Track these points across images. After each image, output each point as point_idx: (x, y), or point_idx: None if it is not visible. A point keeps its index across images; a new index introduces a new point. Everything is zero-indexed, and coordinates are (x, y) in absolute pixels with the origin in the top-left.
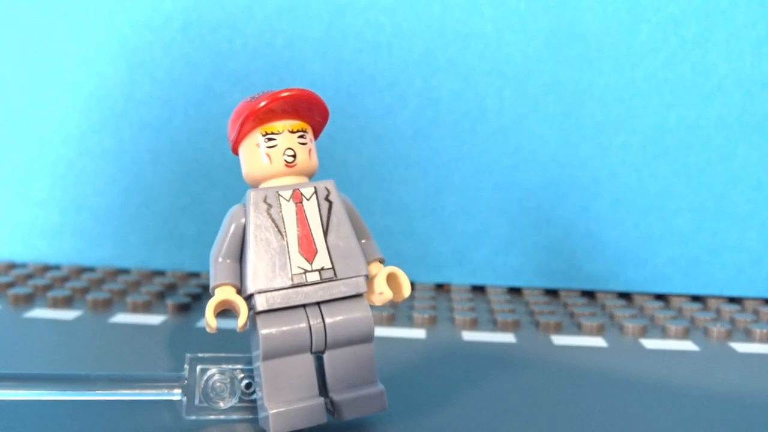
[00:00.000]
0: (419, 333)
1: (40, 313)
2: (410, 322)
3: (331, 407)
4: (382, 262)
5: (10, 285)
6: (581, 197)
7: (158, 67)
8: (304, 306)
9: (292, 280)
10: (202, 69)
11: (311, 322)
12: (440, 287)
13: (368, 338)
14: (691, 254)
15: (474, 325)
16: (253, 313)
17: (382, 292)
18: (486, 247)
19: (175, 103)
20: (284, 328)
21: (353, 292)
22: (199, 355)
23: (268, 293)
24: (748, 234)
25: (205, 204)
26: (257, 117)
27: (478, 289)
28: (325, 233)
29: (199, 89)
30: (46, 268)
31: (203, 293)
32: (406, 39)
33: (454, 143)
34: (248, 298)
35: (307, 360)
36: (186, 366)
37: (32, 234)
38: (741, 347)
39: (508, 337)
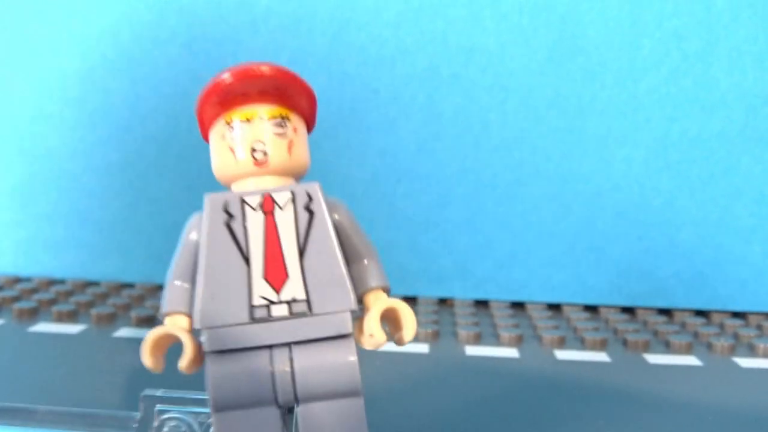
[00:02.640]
0: (422, 348)
1: (44, 327)
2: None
3: None
4: (386, 291)
5: (15, 299)
6: (584, 211)
7: (163, 82)
8: (270, 346)
9: (250, 314)
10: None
11: (276, 368)
12: (443, 301)
13: (353, 392)
14: (694, 268)
15: (477, 339)
16: (204, 352)
17: (373, 335)
18: (489, 261)
19: (179, 117)
20: (239, 374)
21: (333, 333)
22: (157, 393)
23: (219, 330)
24: (752, 248)
25: None
26: (221, 99)
27: (482, 304)
28: (301, 253)
29: None
30: (51, 282)
31: None
32: (409, 54)
33: (457, 157)
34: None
35: (271, 414)
36: (140, 405)
37: (37, 248)
38: (745, 362)
39: (511, 352)
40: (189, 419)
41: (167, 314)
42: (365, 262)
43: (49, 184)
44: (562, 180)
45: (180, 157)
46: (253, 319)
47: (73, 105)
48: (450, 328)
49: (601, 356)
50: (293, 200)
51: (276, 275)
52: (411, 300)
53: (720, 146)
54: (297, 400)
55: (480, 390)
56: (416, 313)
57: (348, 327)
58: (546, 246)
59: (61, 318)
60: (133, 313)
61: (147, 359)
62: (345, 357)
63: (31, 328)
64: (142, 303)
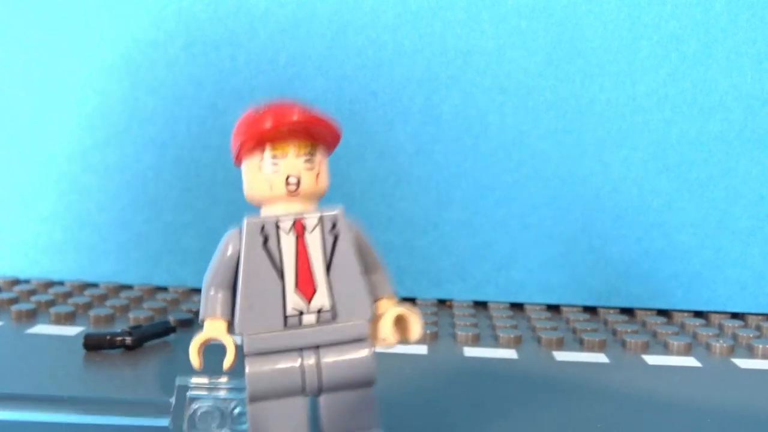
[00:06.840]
0: (421, 349)
1: (42, 329)
2: None
3: None
4: (393, 297)
5: (13, 301)
6: (583, 213)
7: (162, 85)
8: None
9: (285, 323)
10: (206, 86)
11: (305, 363)
12: (442, 303)
13: (368, 383)
14: (693, 270)
15: (476, 340)
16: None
17: (385, 339)
18: (488, 262)
19: (178, 119)
20: (273, 369)
21: (354, 338)
22: (190, 382)
23: (257, 335)
24: (751, 249)
25: (208, 220)
26: (262, 137)
27: (480, 305)
28: (328, 268)
29: (203, 106)
30: (49, 284)
31: None
32: (407, 56)
33: (455, 159)
34: None
35: (299, 403)
36: (174, 392)
37: (35, 250)
38: (743, 363)
39: (509, 353)
40: (217, 403)
41: (207, 319)
42: (377, 274)
43: (48, 187)
44: (560, 181)
45: (178, 159)
46: (287, 327)
47: (71, 108)
48: (448, 329)
49: (600, 357)
50: (321, 224)
51: (306, 288)
52: (410, 301)
53: (718, 148)
54: (321, 391)
55: (478, 391)
56: None
57: (366, 332)
58: (545, 247)
59: (60, 320)
60: (131, 315)
61: (195, 360)
62: (365, 355)
63: (29, 329)
64: (140, 305)
